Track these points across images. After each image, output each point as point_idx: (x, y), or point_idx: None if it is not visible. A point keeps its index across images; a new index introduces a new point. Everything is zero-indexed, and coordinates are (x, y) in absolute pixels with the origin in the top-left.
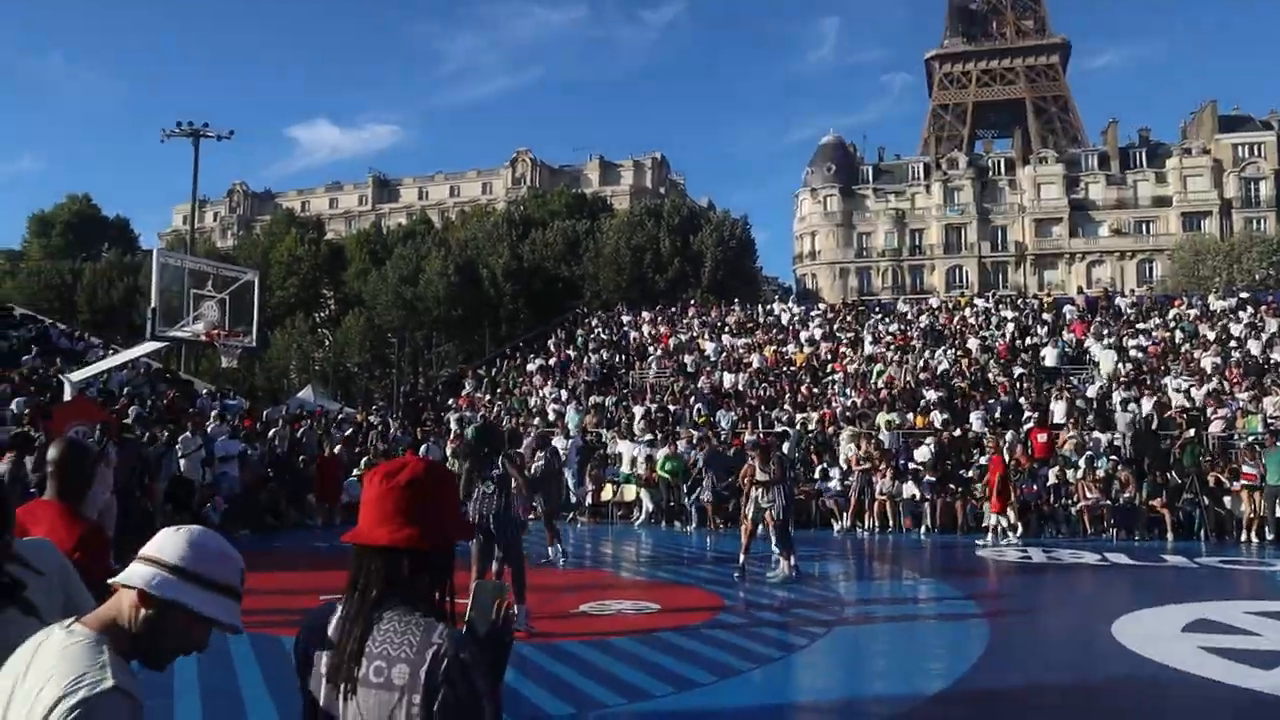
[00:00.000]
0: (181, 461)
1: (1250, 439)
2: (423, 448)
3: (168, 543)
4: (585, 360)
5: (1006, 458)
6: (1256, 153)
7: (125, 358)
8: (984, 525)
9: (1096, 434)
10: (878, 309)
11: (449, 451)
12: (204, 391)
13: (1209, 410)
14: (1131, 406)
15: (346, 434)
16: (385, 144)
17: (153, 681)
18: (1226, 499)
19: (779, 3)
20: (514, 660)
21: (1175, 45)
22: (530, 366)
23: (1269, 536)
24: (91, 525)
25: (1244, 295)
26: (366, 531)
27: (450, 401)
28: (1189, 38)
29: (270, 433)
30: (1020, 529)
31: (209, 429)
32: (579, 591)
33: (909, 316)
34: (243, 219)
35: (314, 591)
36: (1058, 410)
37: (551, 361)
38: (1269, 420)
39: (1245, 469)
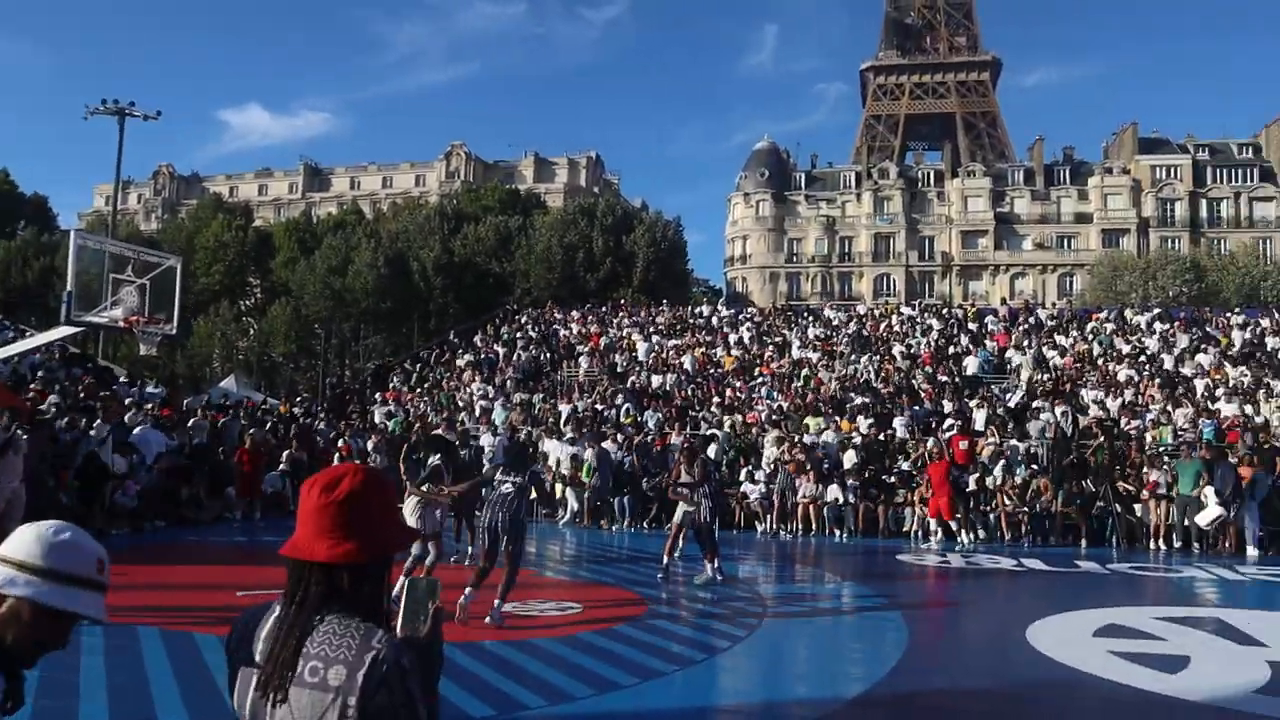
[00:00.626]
0: (102, 449)
1: (1160, 449)
2: (340, 441)
3: (15, 540)
4: (514, 357)
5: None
6: (1173, 174)
7: (39, 342)
8: (905, 530)
9: (1015, 442)
10: (806, 314)
11: (371, 446)
12: (121, 378)
13: (1123, 421)
14: (1048, 416)
15: (268, 425)
16: (318, 131)
17: (58, 683)
18: (1137, 507)
19: (721, 7)
20: None
21: (1101, 69)
22: (459, 362)
23: (1177, 544)
24: None
25: (1158, 311)
26: (305, 546)
27: (377, 395)
28: (1115, 62)
29: (190, 422)
30: (964, 534)
31: (126, 417)
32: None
33: (836, 323)
34: (168, 202)
35: (229, 587)
36: (978, 418)
37: (480, 357)
38: (1179, 431)
39: (1153, 478)
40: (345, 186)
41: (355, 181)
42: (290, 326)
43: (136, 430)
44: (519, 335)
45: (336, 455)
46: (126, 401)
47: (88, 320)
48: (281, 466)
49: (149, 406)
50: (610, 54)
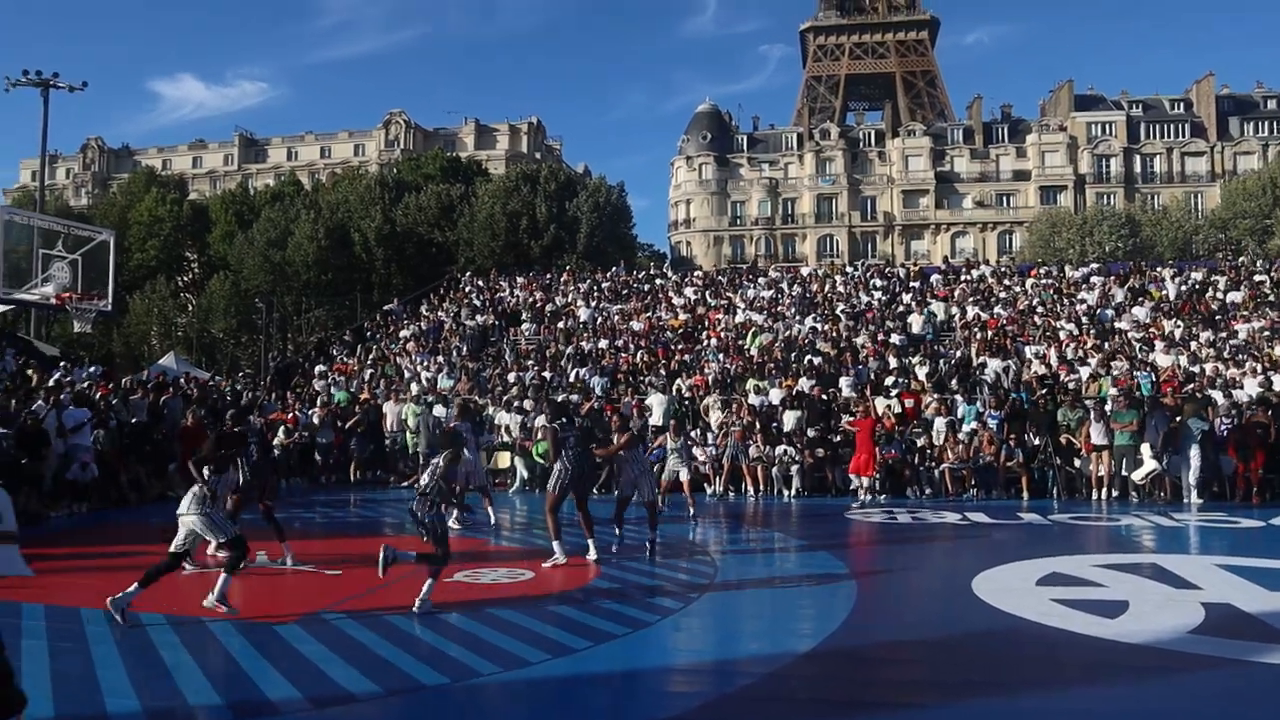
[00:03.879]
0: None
1: (1099, 401)
2: (290, 415)
3: None
4: (459, 327)
5: (875, 419)
6: (1108, 131)
7: None
8: (852, 488)
9: (959, 399)
10: (751, 276)
11: (317, 420)
12: (55, 358)
13: (1064, 375)
14: (991, 371)
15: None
16: (254, 102)
17: None
18: (1077, 460)
19: None
20: (386, 629)
21: (1038, 26)
22: (404, 333)
23: (1115, 494)
24: None
25: (1095, 266)
26: None
27: (319, 368)
28: (1050, 20)
29: (129, 401)
30: (878, 490)
31: (61, 397)
32: (454, 560)
33: (781, 284)
34: (98, 176)
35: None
36: (922, 375)
37: (424, 327)
38: (1117, 384)
39: (1093, 431)
40: (282, 157)
41: (293, 152)
42: (230, 301)
43: (69, 410)
44: (464, 304)
45: (282, 429)
46: (62, 381)
47: (17, 298)
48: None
49: (85, 386)
50: (551, 18)
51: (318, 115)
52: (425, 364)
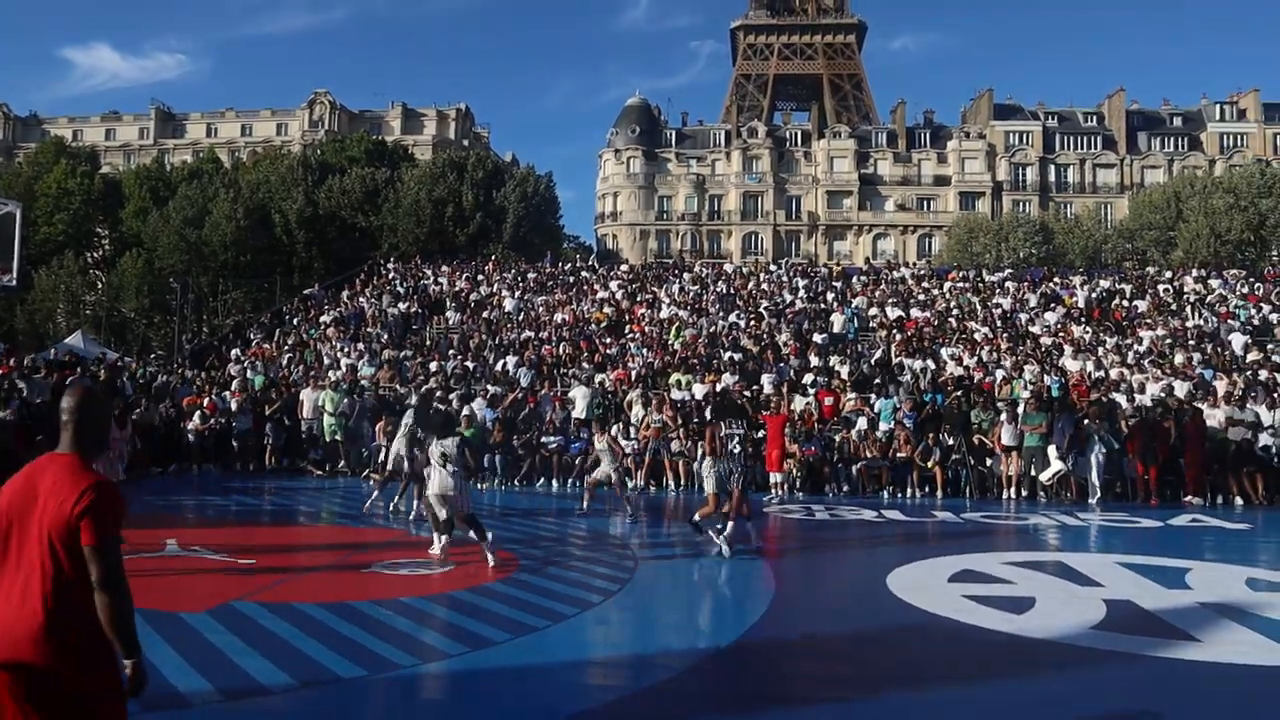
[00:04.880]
0: None
1: (1011, 403)
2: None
3: None
4: (381, 313)
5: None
6: (1025, 140)
7: None
8: (772, 483)
9: (876, 397)
10: (676, 272)
11: (235, 405)
12: None
13: (978, 377)
14: (909, 372)
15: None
16: (172, 74)
17: None
18: (989, 460)
19: None
20: (301, 620)
21: (962, 35)
22: (324, 318)
23: (1024, 494)
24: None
25: (1010, 271)
26: None
27: (235, 352)
28: (974, 30)
29: (32, 380)
30: (796, 487)
31: None
32: (371, 550)
33: (706, 280)
34: (3, 145)
35: None
36: (843, 374)
37: (345, 312)
38: (1028, 386)
39: (1004, 432)
40: (201, 133)
41: (212, 128)
42: (142, 280)
43: None
44: (386, 290)
45: (198, 414)
46: None
47: None
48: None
49: None
50: (483, 4)
51: (240, 92)
52: (346, 350)
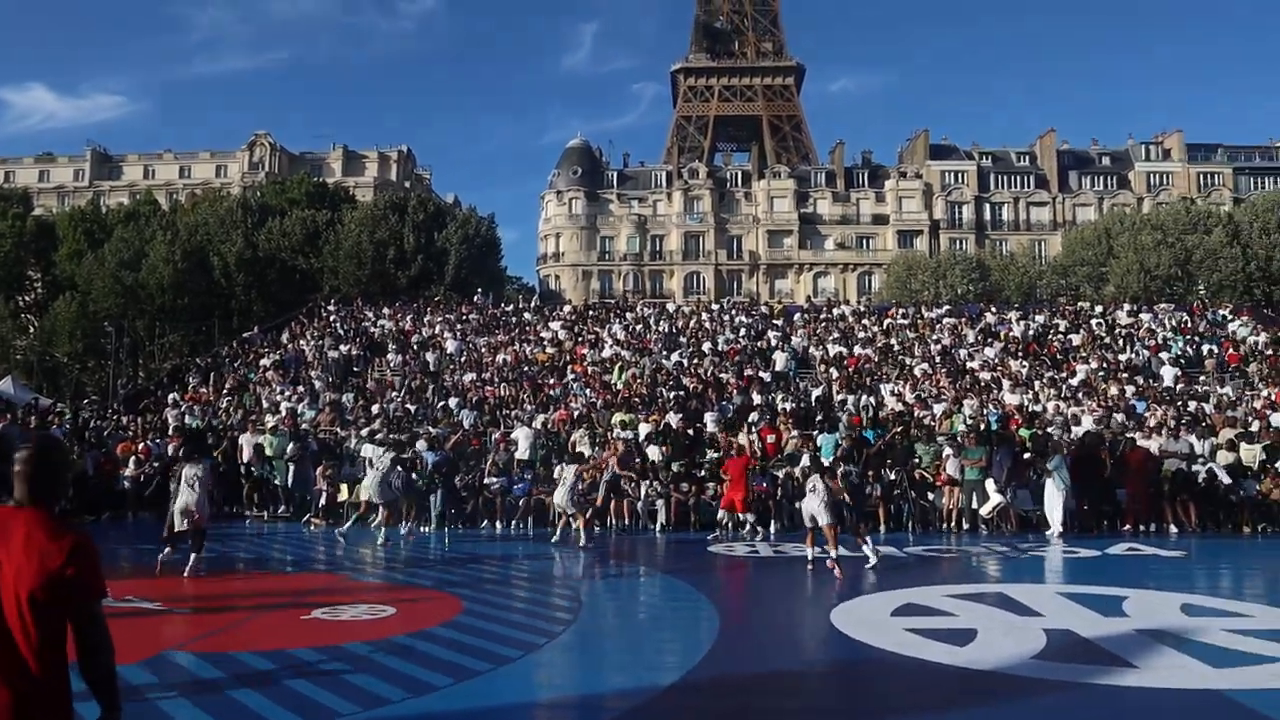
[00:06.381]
0: None
1: (951, 437)
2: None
3: None
4: (322, 356)
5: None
6: (960, 180)
7: None
8: (723, 522)
9: (819, 433)
10: (618, 312)
11: (171, 450)
12: None
13: (918, 411)
14: (850, 407)
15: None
16: (109, 115)
17: None
18: (930, 494)
19: (539, 5)
20: (238, 669)
21: (898, 78)
22: (264, 361)
23: (965, 527)
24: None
25: (948, 308)
26: None
27: (173, 396)
28: (910, 72)
29: None
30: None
31: None
32: (310, 596)
33: (648, 319)
34: None
35: None
36: (785, 411)
37: (285, 355)
38: (968, 421)
39: (947, 467)
40: (138, 175)
41: (150, 170)
42: (76, 324)
43: None
44: (327, 333)
45: (133, 460)
46: None
47: None
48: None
49: None
50: (425, 47)
51: (178, 134)
52: (286, 393)
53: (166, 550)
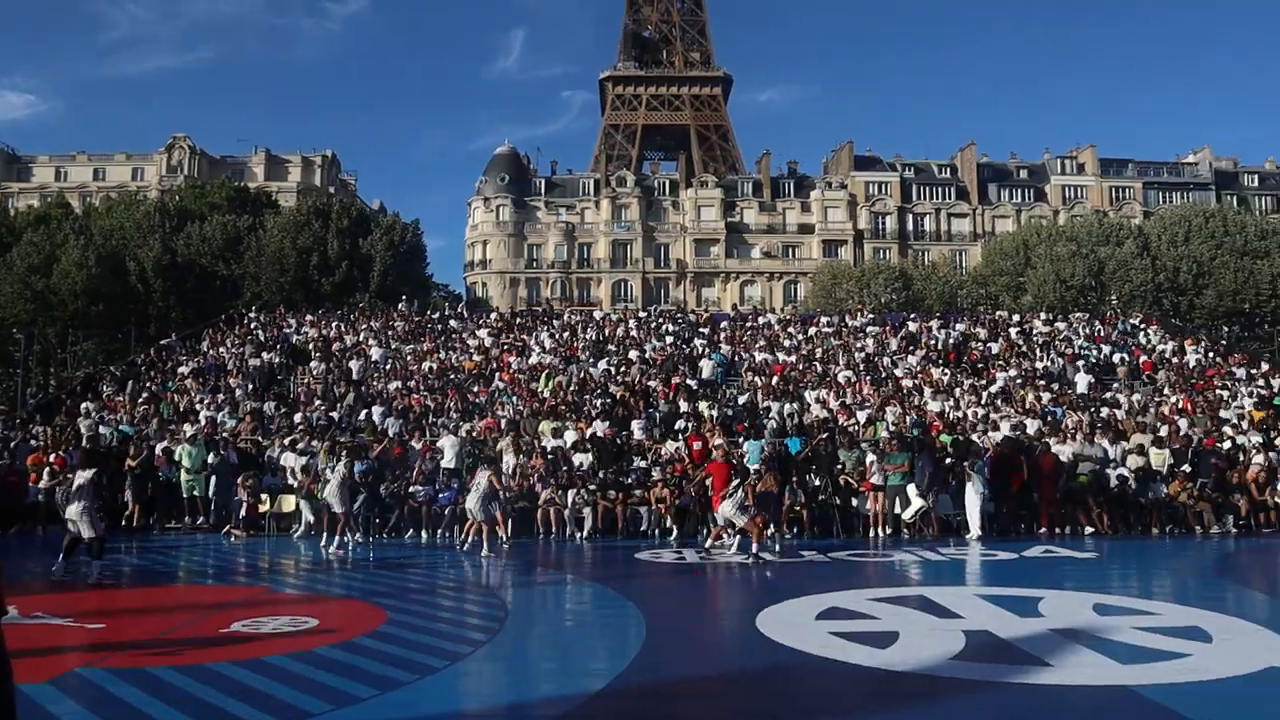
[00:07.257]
0: None
1: (875, 444)
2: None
3: None
4: (243, 364)
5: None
6: (884, 191)
7: None
8: (642, 529)
9: (745, 440)
10: (545, 319)
11: (79, 461)
12: None
13: (843, 419)
14: (775, 414)
15: None
16: (19, 115)
17: None
18: (854, 499)
19: (467, 10)
20: (153, 685)
21: (824, 90)
22: (183, 369)
23: (888, 531)
24: None
25: (872, 316)
26: None
27: (86, 405)
28: (835, 85)
29: None
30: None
31: None
32: (230, 609)
33: (575, 327)
34: None
35: None
36: (713, 418)
37: (205, 363)
38: (891, 427)
39: (872, 473)
40: (49, 177)
41: (62, 172)
42: None
43: None
44: (248, 340)
45: (47, 471)
46: None
47: None
48: None
49: None
50: (351, 51)
51: (93, 135)
52: (205, 402)
53: (60, 560)
